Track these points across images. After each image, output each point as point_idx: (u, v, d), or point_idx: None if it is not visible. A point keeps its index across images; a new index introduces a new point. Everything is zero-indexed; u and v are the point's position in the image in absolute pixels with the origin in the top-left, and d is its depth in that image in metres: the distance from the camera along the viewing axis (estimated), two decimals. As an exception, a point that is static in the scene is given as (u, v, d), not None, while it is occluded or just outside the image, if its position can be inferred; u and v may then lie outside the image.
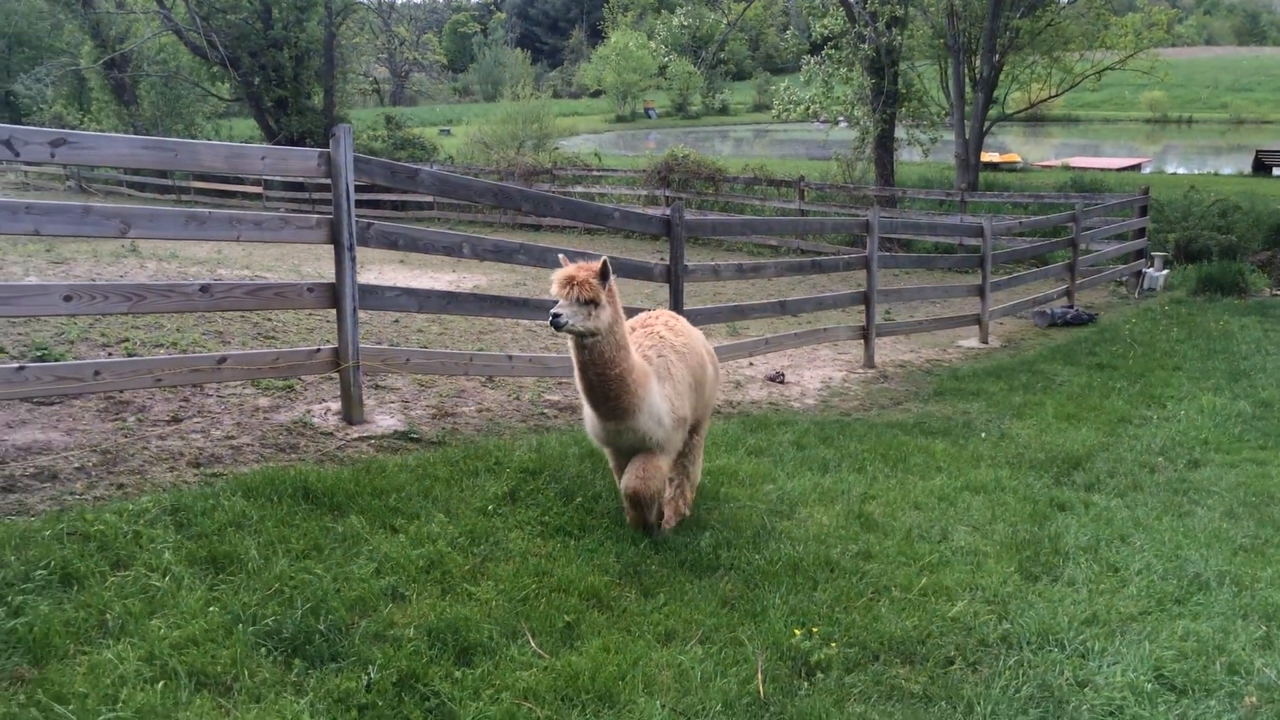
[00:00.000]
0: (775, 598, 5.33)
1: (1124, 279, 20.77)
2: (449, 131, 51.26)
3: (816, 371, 12.92)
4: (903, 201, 28.03)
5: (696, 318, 10.66)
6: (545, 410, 9.16)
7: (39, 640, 4.08)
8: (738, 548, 5.97)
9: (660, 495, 5.96)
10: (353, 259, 7.49)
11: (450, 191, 8.88)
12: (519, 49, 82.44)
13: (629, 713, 4.16)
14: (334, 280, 7.59)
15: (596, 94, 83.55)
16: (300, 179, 29.48)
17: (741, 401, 10.78)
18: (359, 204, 7.56)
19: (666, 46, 37.82)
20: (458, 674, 4.27)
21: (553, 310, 5.16)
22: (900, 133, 30.28)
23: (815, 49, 31.41)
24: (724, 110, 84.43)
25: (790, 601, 5.30)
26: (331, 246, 7.53)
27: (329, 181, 7.35)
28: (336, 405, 8.14)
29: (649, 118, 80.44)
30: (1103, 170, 36.46)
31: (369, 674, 4.15)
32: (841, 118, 30.25)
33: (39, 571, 4.61)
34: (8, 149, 5.92)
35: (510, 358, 9.09)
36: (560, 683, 4.29)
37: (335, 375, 8.27)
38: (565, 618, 4.88)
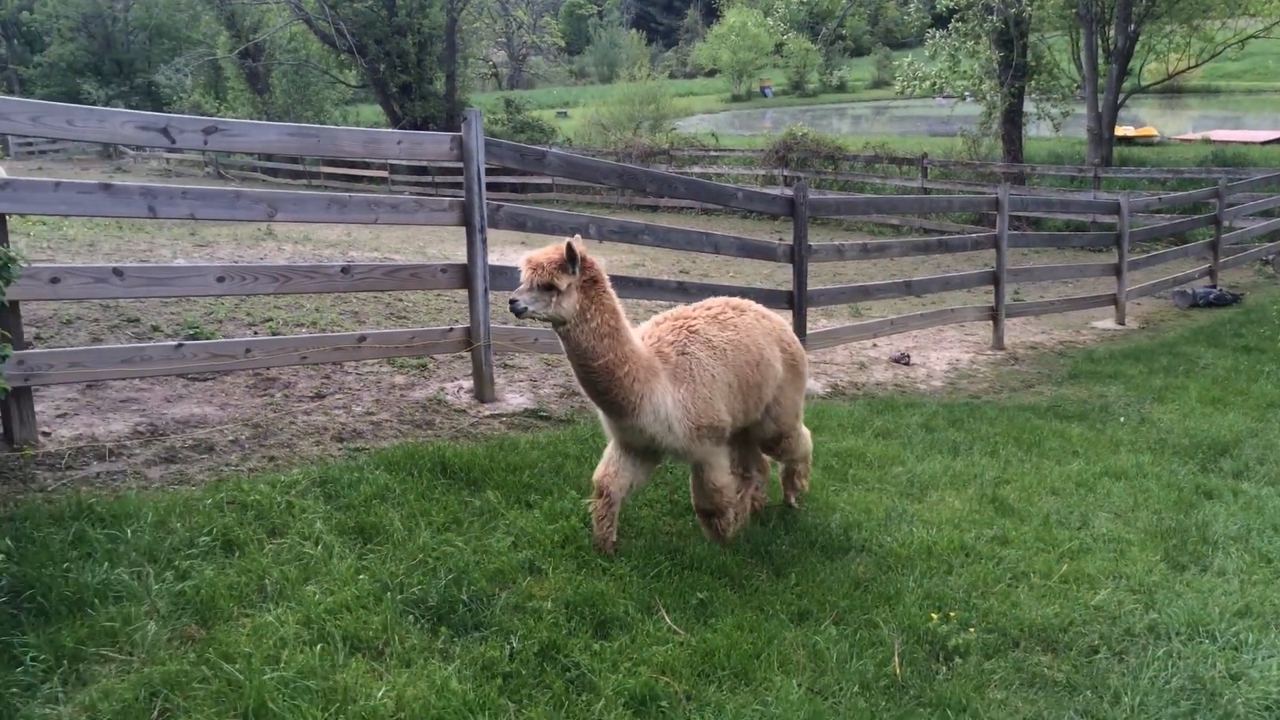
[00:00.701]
0: (909, 581, 5.28)
1: (1270, 258, 19.76)
2: (566, 114, 51.75)
3: (943, 353, 12.67)
4: (1031, 178, 27.19)
5: (819, 298, 10.60)
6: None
7: (205, 602, 4.32)
8: (869, 530, 5.93)
9: (726, 503, 5.58)
10: (483, 240, 7.66)
11: (576, 173, 9.00)
12: (634, 30, 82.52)
13: (765, 690, 4.18)
14: (465, 261, 7.77)
15: (712, 73, 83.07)
16: (431, 163, 30.14)
17: (866, 383, 10.65)
18: (487, 188, 7.70)
19: (785, 24, 37.36)
20: (596, 646, 4.36)
21: (511, 295, 4.91)
22: (1029, 107, 29.31)
23: (940, 22, 30.63)
24: (841, 87, 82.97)
25: (925, 585, 5.24)
26: (463, 229, 7.73)
27: (459, 165, 7.52)
28: (468, 383, 8.35)
29: (765, 96, 79.59)
30: (1246, 143, 34.58)
31: (511, 643, 4.27)
32: (968, 93, 29.42)
33: (202, 538, 4.87)
34: (165, 136, 6.23)
35: (637, 337, 9.17)
36: (696, 658, 4.34)
37: (466, 354, 8.48)
38: (698, 595, 4.93)
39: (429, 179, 34.80)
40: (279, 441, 6.64)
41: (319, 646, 4.08)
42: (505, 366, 9.23)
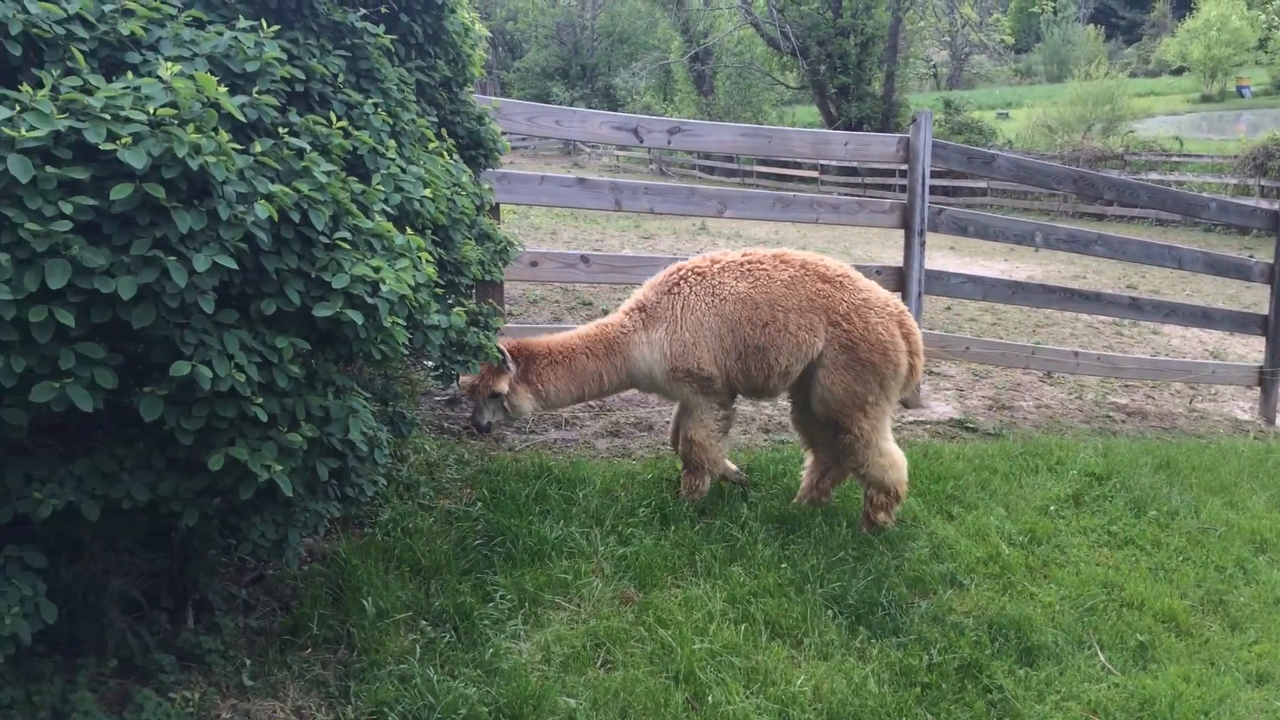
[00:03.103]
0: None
1: None
2: (1007, 115, 49.42)
3: None
4: None
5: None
6: (1111, 413, 8.57)
7: (643, 568, 4.66)
8: (1352, 594, 5.17)
9: (697, 460, 5.34)
10: (922, 244, 7.57)
11: (1027, 177, 8.62)
12: (1091, 25, 76.79)
13: (1212, 752, 3.81)
14: (900, 264, 7.72)
15: (1178, 71, 75.25)
16: (862, 163, 30.16)
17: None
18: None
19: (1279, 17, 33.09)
20: (1020, 673, 4.18)
21: (469, 418, 5.06)
22: None
23: None
24: (1342, 86, 72.07)
25: None
26: (900, 231, 7.68)
27: (897, 167, 7.47)
28: (893, 387, 8.29)
29: (1242, 96, 70.77)
30: None
31: (930, 654, 4.21)
32: None
33: (641, 509, 5.26)
34: (634, 135, 6.76)
35: (1075, 354, 8.64)
36: (1133, 704, 4.04)
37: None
38: (1138, 637, 4.57)
39: (858, 179, 34.80)
40: (710, 427, 6.99)
41: (743, 626, 4.26)
42: (931, 374, 9.05)
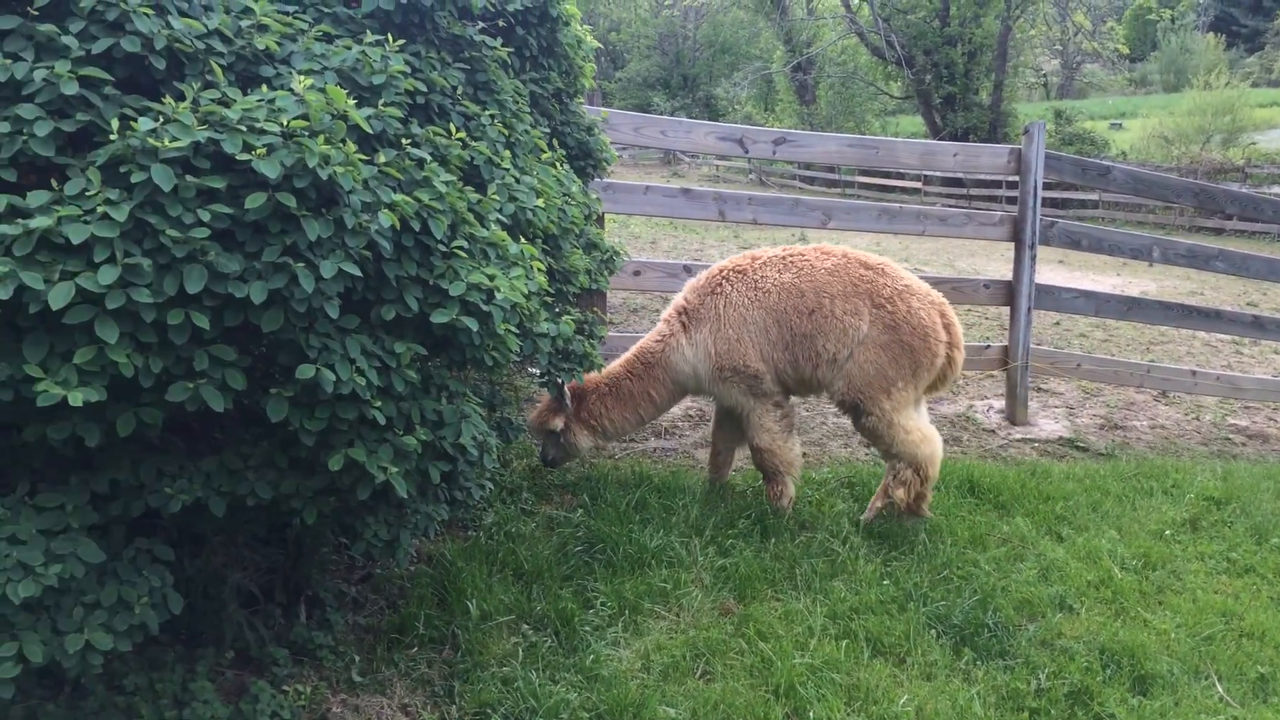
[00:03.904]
0: None
1: None
2: (1120, 125, 48.02)
3: None
4: None
5: None
6: (1230, 435, 8.24)
7: (743, 580, 4.64)
8: None
9: (773, 467, 5.35)
10: (1033, 257, 7.41)
11: (1144, 190, 8.36)
12: (1211, 34, 74.18)
13: (1341, 794, 3.63)
14: (1010, 278, 7.57)
15: (1304, 80, 72.22)
16: (968, 175, 29.62)
17: None
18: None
19: None
20: (1133, 701, 4.04)
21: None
22: None
23: None
24: None
25: None
26: (1010, 244, 7.53)
27: (1004, 178, 7.33)
28: (999, 403, 8.12)
29: (1373, 106, 67.64)
30: None
31: (1039, 679, 4.10)
32: None
33: (741, 520, 5.24)
34: (739, 146, 6.76)
35: (1194, 373, 8.34)
36: (1255, 739, 3.88)
37: (997, 373, 8.25)
38: (1258, 668, 4.38)
39: (963, 191, 34.15)
40: (811, 440, 6.93)
41: (844, 642, 4.21)
42: (1039, 390, 8.82)
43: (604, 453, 6.27)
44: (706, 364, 5.22)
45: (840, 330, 5.12)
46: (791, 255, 5.29)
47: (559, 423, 5.24)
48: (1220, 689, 4.22)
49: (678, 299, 5.43)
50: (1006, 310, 7.79)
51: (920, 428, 5.28)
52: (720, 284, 5.28)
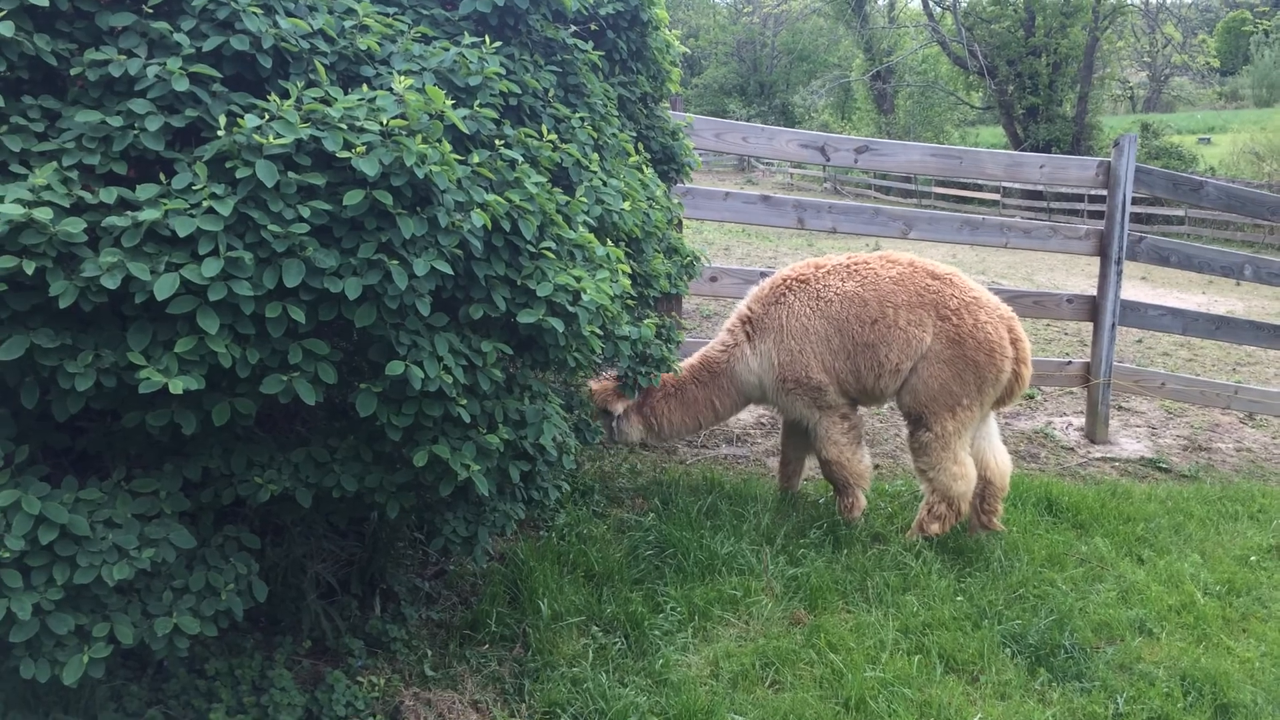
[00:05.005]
0: None
1: None
2: (1209, 140, 46.76)
3: None
4: None
5: None
6: (1321, 462, 7.97)
7: (814, 591, 4.61)
8: None
9: (843, 479, 5.31)
10: (1119, 273, 7.24)
11: (1238, 206, 8.13)
12: (1307, 47, 71.79)
13: None
14: (1095, 293, 7.41)
15: (1406, 96, 69.61)
16: (1069, 189, 29.04)
17: None
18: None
19: None
20: (1216, 732, 3.93)
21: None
22: None
23: None
24: None
25: None
26: (1095, 259, 7.38)
27: (1090, 191, 7.19)
28: (1078, 421, 7.95)
29: None
30: None
31: (1117, 703, 4.01)
32: None
33: (813, 530, 5.20)
34: (821, 154, 6.72)
35: (1285, 396, 8.08)
36: (1344, 777, 3.74)
37: (1076, 390, 8.08)
38: (1349, 703, 4.23)
39: (1043, 204, 33.52)
40: (884, 451, 6.86)
41: (916, 657, 4.16)
42: (1120, 409, 8.62)
43: (674, 457, 6.27)
44: (771, 374, 5.19)
45: (904, 341, 5.03)
46: (856, 263, 5.22)
47: (619, 407, 5.21)
48: (1309, 724, 4.08)
49: (741, 308, 5.40)
50: (1086, 326, 7.65)
51: (965, 461, 5.17)
52: (784, 293, 5.23)
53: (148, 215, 2.27)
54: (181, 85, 2.43)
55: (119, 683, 3.20)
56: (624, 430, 5.32)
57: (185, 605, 2.72)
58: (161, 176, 2.42)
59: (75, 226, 2.23)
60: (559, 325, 2.81)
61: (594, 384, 5.20)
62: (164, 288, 2.23)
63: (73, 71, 2.47)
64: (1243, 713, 4.09)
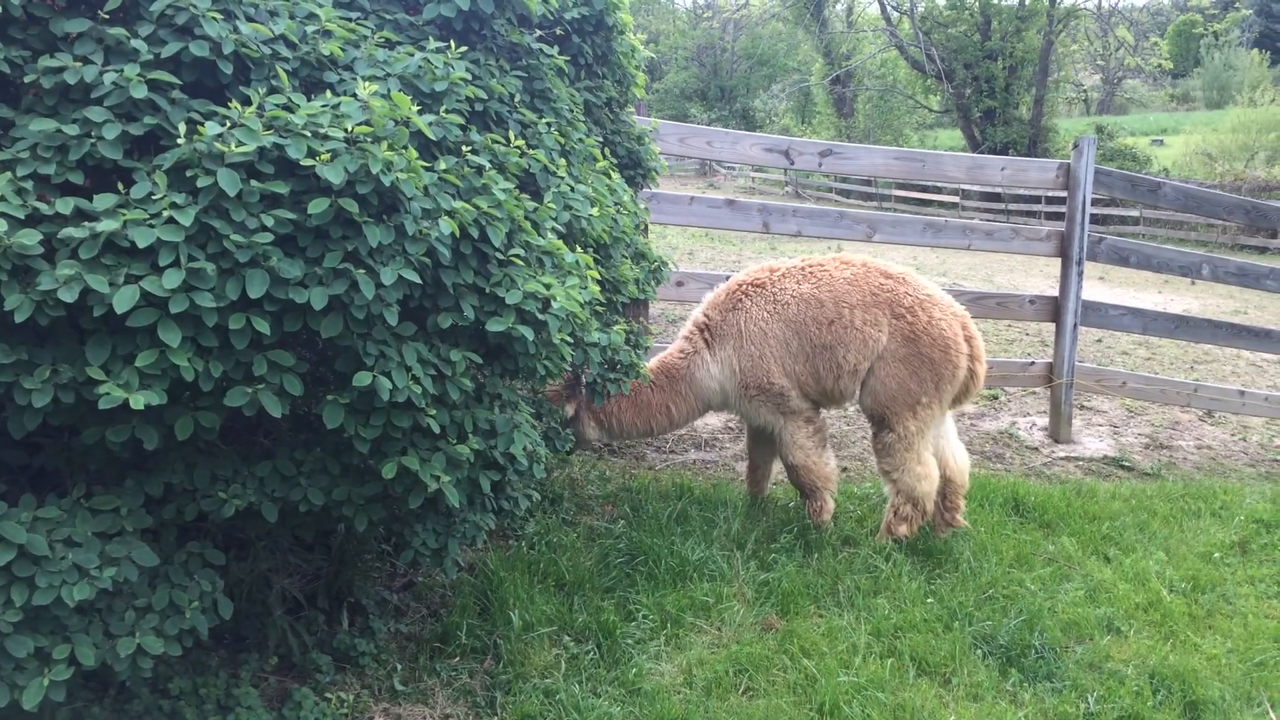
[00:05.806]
0: None
1: None
2: (1162, 141, 47.48)
3: None
4: None
5: None
6: (1278, 456, 8.09)
7: (786, 596, 4.59)
8: None
9: (809, 484, 5.31)
10: (1080, 274, 7.31)
11: (1194, 207, 8.23)
12: (1255, 50, 73.27)
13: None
14: (1056, 295, 7.48)
15: (1353, 97, 71.02)
16: (1029, 190, 29.33)
17: None
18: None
19: None
20: (1185, 729, 3.96)
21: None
22: None
23: None
24: None
25: None
26: (1056, 260, 7.45)
27: (1047, 193, 7.27)
28: (1041, 420, 8.02)
29: None
30: None
31: (1088, 703, 4.02)
32: None
33: (783, 535, 5.19)
34: (785, 157, 6.72)
35: (1242, 393, 8.19)
36: (1312, 772, 3.78)
37: (1039, 390, 8.15)
38: (1315, 698, 4.28)
39: (1001, 206, 33.88)
40: (852, 454, 6.87)
41: (889, 661, 4.16)
42: (1082, 408, 8.70)
43: (643, 463, 6.25)
44: (733, 381, 5.18)
45: (861, 341, 5.07)
46: (811, 266, 5.24)
47: (570, 409, 5.14)
48: (1274, 716, 4.12)
49: (697, 314, 5.36)
50: (1047, 326, 7.72)
51: (928, 461, 5.22)
52: (740, 299, 5.22)
53: (106, 226, 2.21)
54: (139, 92, 2.37)
55: (80, 705, 3.12)
56: (580, 432, 5.24)
57: (148, 624, 2.65)
58: (120, 186, 2.35)
59: (30, 238, 2.17)
60: (529, 333, 2.77)
61: (549, 388, 5.14)
62: (123, 300, 2.17)
63: (26, 79, 2.40)
64: (1211, 709, 4.12)
